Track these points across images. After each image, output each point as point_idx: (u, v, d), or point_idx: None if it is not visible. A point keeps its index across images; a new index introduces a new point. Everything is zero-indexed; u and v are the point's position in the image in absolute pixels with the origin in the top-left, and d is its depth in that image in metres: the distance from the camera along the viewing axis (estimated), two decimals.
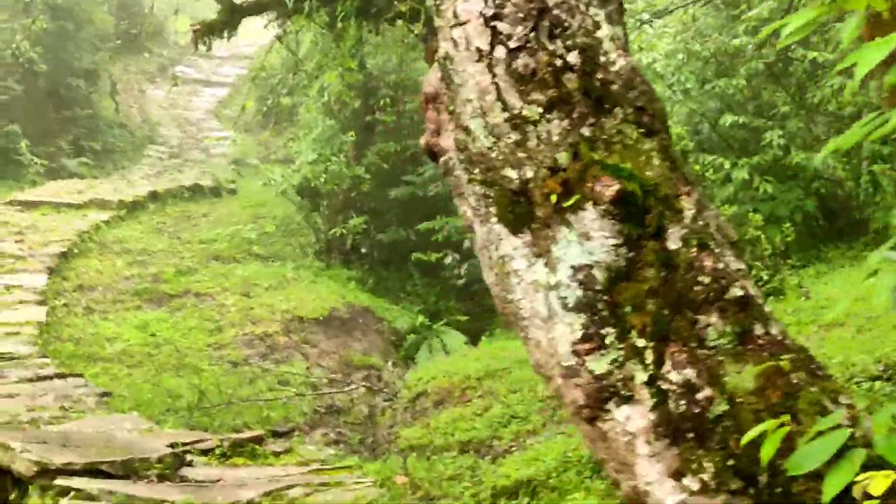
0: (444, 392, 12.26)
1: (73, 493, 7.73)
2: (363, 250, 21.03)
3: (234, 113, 35.68)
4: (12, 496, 8.41)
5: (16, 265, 18.05)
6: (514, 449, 9.70)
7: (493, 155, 3.93)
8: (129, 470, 8.47)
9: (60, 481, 7.95)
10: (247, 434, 10.17)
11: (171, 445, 9.24)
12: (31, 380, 12.54)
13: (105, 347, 15.30)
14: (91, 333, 15.81)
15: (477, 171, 3.97)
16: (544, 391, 11.11)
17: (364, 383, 14.65)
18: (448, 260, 19.96)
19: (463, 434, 10.45)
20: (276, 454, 9.65)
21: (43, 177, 26.53)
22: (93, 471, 8.28)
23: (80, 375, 13.08)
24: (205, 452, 9.43)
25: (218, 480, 8.65)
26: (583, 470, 7.94)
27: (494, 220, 3.99)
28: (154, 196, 24.42)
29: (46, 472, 8.14)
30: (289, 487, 8.32)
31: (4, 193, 24.33)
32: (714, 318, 3.82)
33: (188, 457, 9.13)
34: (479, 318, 19.49)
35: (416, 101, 20.97)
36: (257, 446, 9.66)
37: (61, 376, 12.77)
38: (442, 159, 4.16)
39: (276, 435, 12.08)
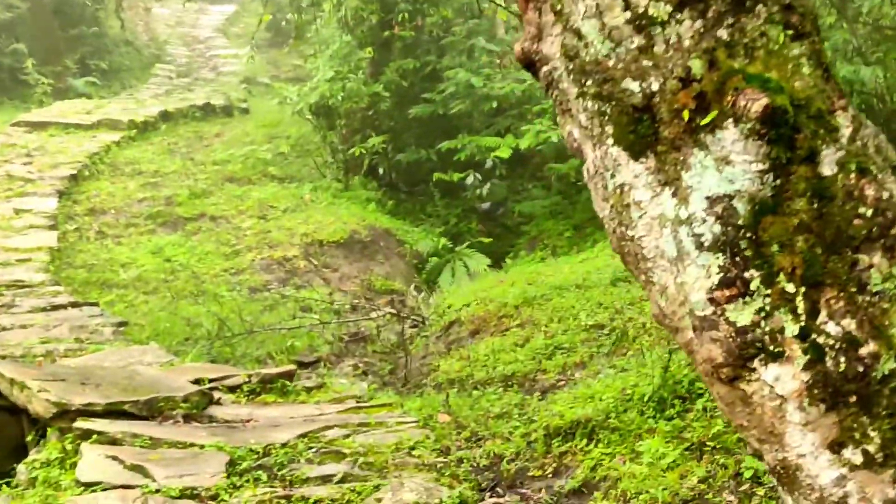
0: (479, 320, 11.67)
1: (94, 437, 7.16)
2: (381, 171, 20.36)
3: (241, 31, 35.02)
4: (29, 438, 7.86)
5: (25, 188, 17.53)
6: (561, 384, 9.11)
7: (611, 63, 3.26)
8: (153, 410, 7.92)
9: (81, 423, 7.38)
10: (276, 369, 9.59)
11: (197, 381, 8.70)
12: (44, 309, 12.04)
13: (119, 273, 14.75)
14: (104, 259, 15.25)
15: (590, 83, 3.30)
16: (588, 320, 10.54)
17: (390, 309, 14.06)
18: (470, 180, 19.34)
19: (505, 367, 9.85)
20: (308, 390, 9.08)
21: (50, 97, 25.86)
22: (115, 411, 7.72)
23: (96, 304, 12.56)
24: (232, 389, 8.88)
25: (248, 420, 8.09)
26: (645, 409, 7.36)
27: (611, 142, 3.33)
28: (165, 116, 23.74)
29: (66, 414, 7.57)
30: (326, 428, 7.76)
31: (11, 114, 23.75)
32: (877, 258, 3.17)
33: (215, 394, 8.56)
34: (501, 240, 18.97)
35: (436, 16, 20.23)
36: (287, 382, 9.08)
37: (75, 305, 12.26)
38: (543, 70, 3.48)
39: (302, 365, 11.55)
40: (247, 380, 8.96)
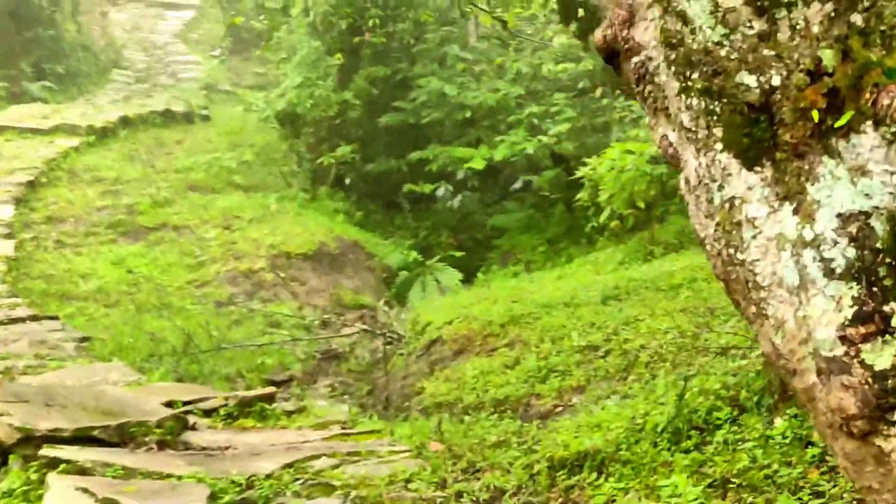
0: (463, 339, 11.12)
1: (62, 466, 6.55)
2: (350, 181, 19.79)
3: (200, 37, 34.40)
4: None
5: None
6: (559, 409, 8.58)
7: (723, 53, 2.72)
8: (124, 436, 7.31)
9: (47, 451, 6.77)
10: (254, 391, 9.00)
11: (169, 404, 8.09)
12: (1, 322, 11.37)
13: (79, 285, 14.11)
14: (63, 269, 14.59)
15: (696, 75, 2.76)
16: (580, 340, 10.02)
17: (363, 326, 13.51)
18: (441, 192, 18.83)
19: (496, 390, 9.30)
20: (288, 414, 8.49)
21: (4, 101, 25.09)
22: (83, 437, 7.11)
23: (56, 318, 11.89)
24: (208, 413, 8.27)
25: (227, 447, 7.50)
26: (659, 441, 6.81)
27: (719, 146, 2.79)
28: (125, 121, 23.02)
29: (30, 440, 6.96)
30: (313, 458, 7.18)
31: None
32: None
33: (190, 418, 7.96)
34: (472, 253, 18.50)
35: (408, 22, 19.71)
36: (266, 405, 8.48)
37: (35, 318, 11.64)
38: (634, 60, 2.94)
39: (273, 384, 10.96)
40: (223, 402, 8.36)
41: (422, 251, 18.15)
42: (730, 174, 2.79)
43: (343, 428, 8.15)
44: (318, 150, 19.47)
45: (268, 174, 20.40)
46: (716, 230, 2.86)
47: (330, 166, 19.15)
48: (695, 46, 2.75)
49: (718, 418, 6.76)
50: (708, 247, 2.92)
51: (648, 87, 2.92)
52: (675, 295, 10.76)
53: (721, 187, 2.82)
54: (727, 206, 2.81)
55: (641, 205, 13.69)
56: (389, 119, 19.52)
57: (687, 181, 2.93)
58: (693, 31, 2.74)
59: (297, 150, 20.03)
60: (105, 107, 25.41)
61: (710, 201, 2.86)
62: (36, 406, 7.58)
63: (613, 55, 3.01)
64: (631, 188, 13.60)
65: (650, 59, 2.89)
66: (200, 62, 31.09)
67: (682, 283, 11.11)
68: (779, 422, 6.50)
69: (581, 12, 10.21)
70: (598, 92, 17.76)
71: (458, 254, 18.01)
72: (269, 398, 8.65)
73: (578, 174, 14.75)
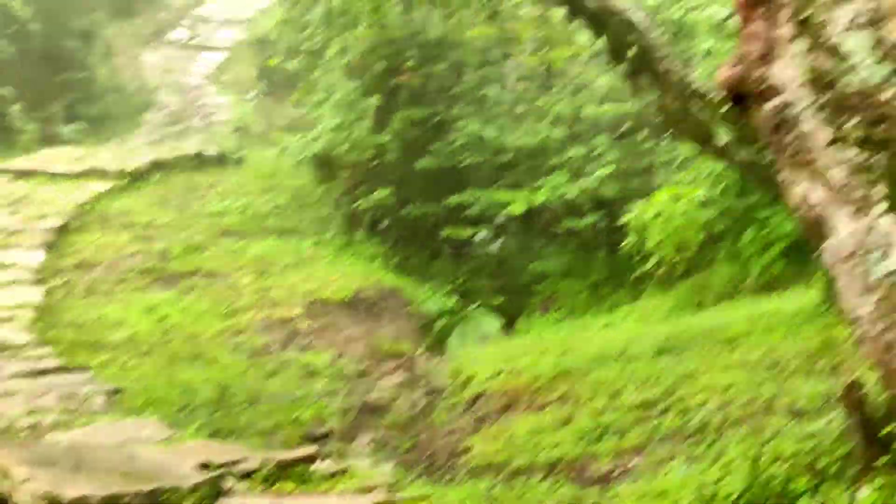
0: (510, 394, 10.65)
1: None
2: (387, 225, 19.39)
3: (232, 79, 34.26)
4: None
5: (9, 240, 16.50)
6: (618, 473, 8.08)
7: (887, 96, 2.26)
8: (156, 503, 6.86)
9: None
10: (294, 452, 8.50)
11: (204, 466, 7.66)
12: (29, 374, 11.02)
13: (110, 334, 13.70)
14: (94, 318, 14.20)
15: (852, 123, 2.30)
16: (635, 396, 9.52)
17: (403, 377, 13.09)
18: (480, 236, 18.44)
19: (548, 451, 8.81)
20: (331, 476, 8.01)
21: (36, 144, 24.87)
22: None
23: (86, 369, 11.49)
24: (245, 475, 7.80)
25: None
26: None
27: (881, 208, 2.31)
28: (157, 165, 22.70)
29: None
30: None
31: None
32: None
33: (226, 481, 7.50)
34: (512, 300, 18.04)
35: (446, 63, 19.35)
36: (307, 466, 8.01)
37: (64, 370, 11.27)
38: (771, 104, 2.47)
39: (311, 439, 10.56)
40: (261, 464, 7.89)
41: (461, 297, 17.75)
42: (894, 243, 2.31)
43: (389, 492, 7.68)
44: (354, 194, 19.09)
45: (302, 218, 20.03)
46: (874, 309, 2.37)
47: (366, 210, 18.78)
48: (851, 88, 2.27)
49: (797, 488, 6.26)
50: (863, 328, 2.43)
51: (788, 137, 2.45)
52: (733, 348, 10.26)
53: (883, 258, 2.34)
54: (890, 281, 2.33)
55: (691, 252, 13.22)
56: (427, 162, 19.13)
57: (835, 249, 2.44)
58: (849, 70, 2.27)
59: (332, 194, 19.66)
60: (137, 149, 25.19)
61: (868, 274, 2.37)
62: (64, 470, 7.20)
63: (740, 97, 2.54)
64: (680, 235, 13.14)
65: (792, 102, 2.42)
66: (233, 104, 30.84)
67: (740, 335, 10.60)
68: (865, 492, 5.99)
69: (632, 51, 9.82)
70: (642, 134, 17.36)
71: (498, 300, 17.59)
72: (311, 459, 8.18)
73: (623, 219, 14.30)
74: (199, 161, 23.94)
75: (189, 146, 25.74)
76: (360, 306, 16.09)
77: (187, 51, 36.93)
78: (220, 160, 24.45)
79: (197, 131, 29.18)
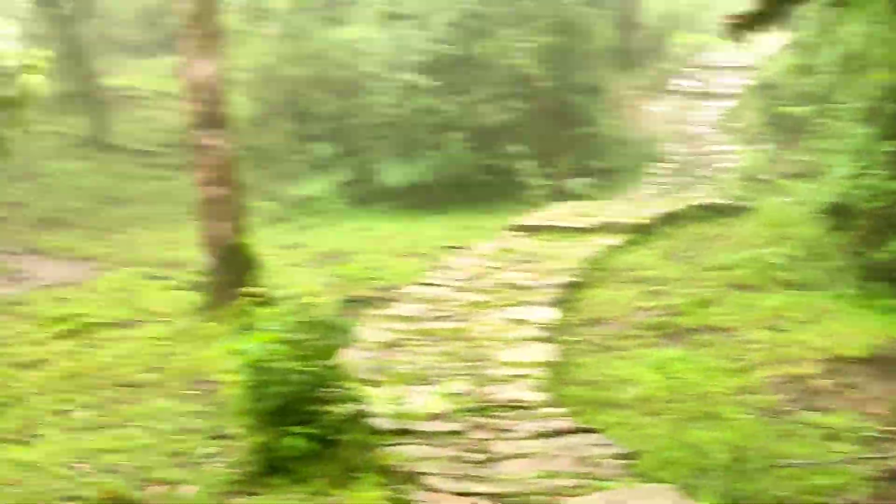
0: None
1: None
2: None
3: (739, 126, 33.81)
4: None
5: (521, 296, 16.91)
6: None
7: None
8: None
9: None
10: None
11: None
12: (542, 435, 11.10)
13: (620, 392, 13.63)
14: (604, 375, 14.20)
15: None
16: None
17: None
18: None
19: None
20: None
21: (546, 199, 25.59)
22: None
23: (595, 431, 11.44)
24: None
25: None
26: None
27: None
28: (663, 217, 22.70)
29: None
30: None
31: (506, 218, 23.53)
32: None
33: None
34: None
35: None
36: None
37: (576, 431, 11.25)
38: None
39: None
40: None
41: None
42: None
43: None
44: (870, 244, 18.10)
45: (814, 270, 19.24)
46: None
47: (884, 261, 17.73)
48: None
49: None
50: None
51: None
52: None
53: None
54: None
55: None
56: None
57: None
58: None
59: (845, 244, 18.76)
60: (643, 202, 25.34)
61: None
62: None
63: None
64: None
65: None
66: (740, 152, 30.37)
67: None
68: None
69: None
70: None
71: None
72: None
73: None
74: (707, 211, 23.75)
75: (696, 196, 25.60)
76: (880, 364, 15.15)
77: (691, 100, 36.88)
78: (728, 210, 24.14)
79: (703, 181, 29.02)
